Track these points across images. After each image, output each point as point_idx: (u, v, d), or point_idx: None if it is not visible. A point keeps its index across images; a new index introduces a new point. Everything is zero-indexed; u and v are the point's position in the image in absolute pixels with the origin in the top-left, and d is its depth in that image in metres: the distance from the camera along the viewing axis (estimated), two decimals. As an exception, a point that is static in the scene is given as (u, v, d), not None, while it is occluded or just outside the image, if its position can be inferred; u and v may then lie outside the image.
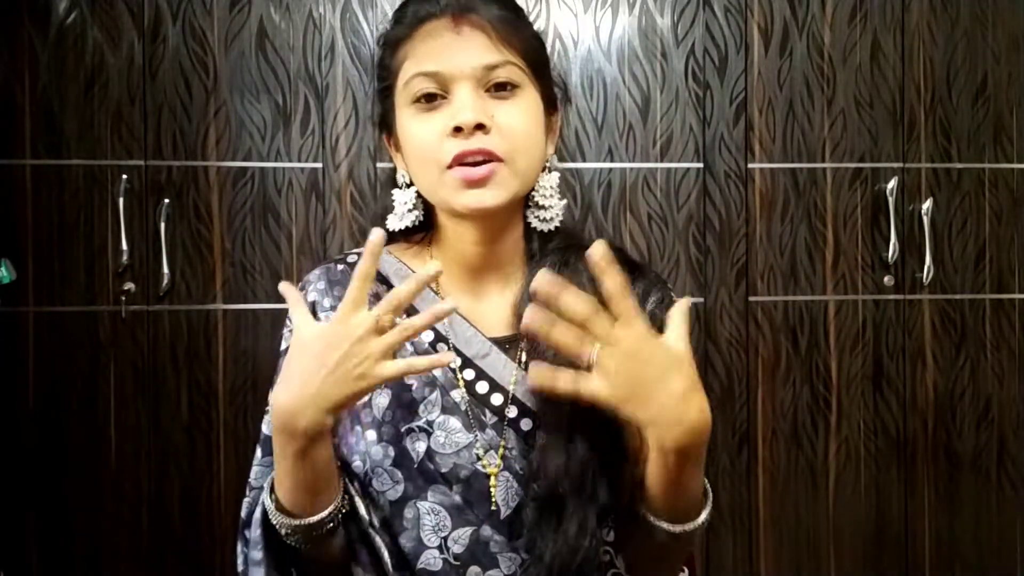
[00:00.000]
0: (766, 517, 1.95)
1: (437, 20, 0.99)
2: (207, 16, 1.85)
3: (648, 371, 0.84)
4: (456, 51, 0.96)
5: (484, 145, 0.94)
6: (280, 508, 0.92)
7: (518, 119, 0.97)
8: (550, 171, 1.04)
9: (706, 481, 0.95)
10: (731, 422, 1.94)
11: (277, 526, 0.92)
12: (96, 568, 1.82)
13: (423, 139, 0.96)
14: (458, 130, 0.94)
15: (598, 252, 0.82)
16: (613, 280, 0.83)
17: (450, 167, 0.95)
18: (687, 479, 0.89)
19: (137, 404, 1.83)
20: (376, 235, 0.85)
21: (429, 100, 0.97)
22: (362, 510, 0.96)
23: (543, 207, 1.04)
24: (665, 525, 0.92)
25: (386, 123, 1.06)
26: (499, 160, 0.95)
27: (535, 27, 1.09)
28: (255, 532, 0.96)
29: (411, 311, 1.02)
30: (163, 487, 1.84)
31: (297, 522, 0.91)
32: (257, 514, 0.96)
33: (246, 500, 1.03)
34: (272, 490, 0.93)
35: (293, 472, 0.88)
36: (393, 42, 1.04)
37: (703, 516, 0.93)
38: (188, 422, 1.84)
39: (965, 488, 1.98)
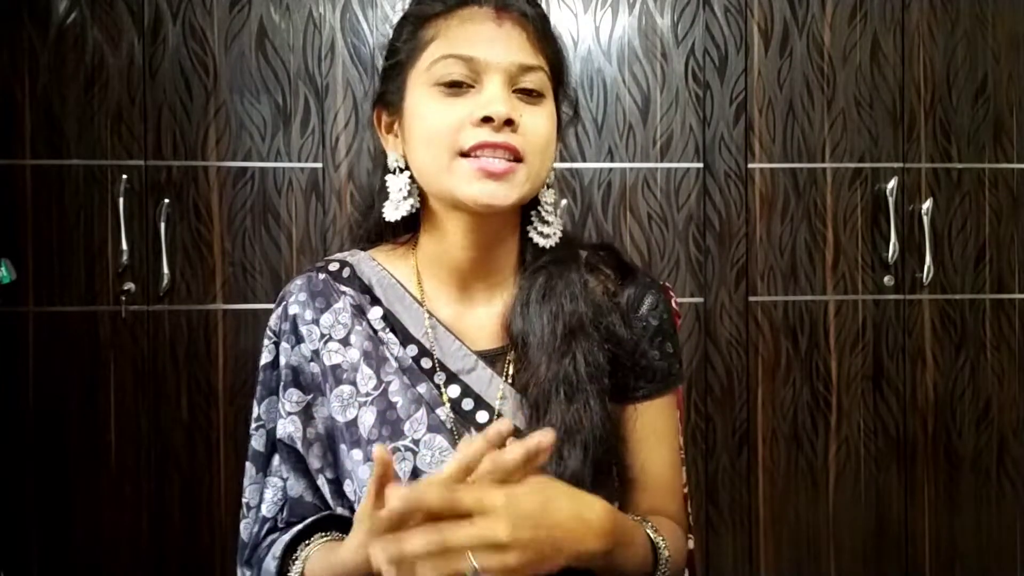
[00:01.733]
0: (766, 517, 1.95)
1: (478, 7, 0.94)
2: (207, 16, 1.85)
3: (536, 532, 0.73)
4: (495, 42, 0.92)
5: (511, 141, 0.90)
6: None
7: (542, 125, 0.94)
8: (548, 187, 1.01)
9: (656, 538, 0.90)
10: (731, 422, 1.93)
11: None
12: (96, 568, 1.82)
13: (441, 123, 0.91)
14: (486, 120, 0.90)
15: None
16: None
17: (465, 155, 0.90)
18: (619, 561, 0.85)
19: (137, 404, 1.83)
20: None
21: (454, 85, 0.92)
22: None
23: (547, 222, 1.01)
24: None
25: (386, 102, 0.99)
26: (520, 160, 0.92)
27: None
28: None
29: (396, 323, 0.99)
30: (163, 487, 1.84)
31: None
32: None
33: (244, 522, 1.00)
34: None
35: None
36: (420, 18, 0.96)
37: (659, 569, 0.90)
38: (188, 422, 1.84)
39: (965, 488, 1.98)
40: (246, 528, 1.00)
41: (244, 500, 1.00)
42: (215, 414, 1.84)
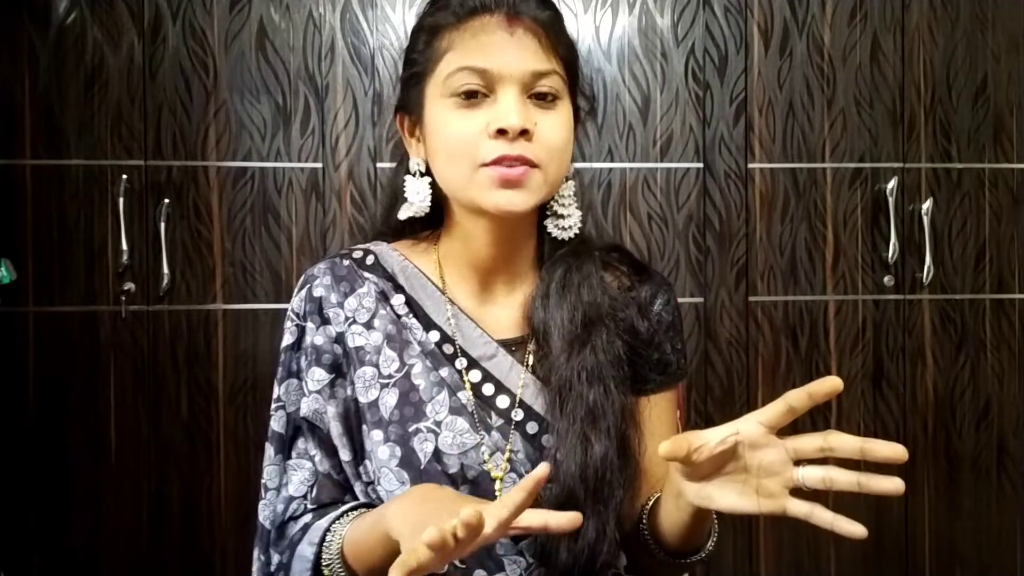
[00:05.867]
0: (766, 517, 1.94)
1: (490, 15, 0.96)
2: (207, 16, 1.85)
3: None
4: (508, 51, 0.95)
5: (525, 152, 0.93)
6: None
7: (557, 130, 0.97)
8: (567, 180, 1.04)
9: (715, 518, 0.96)
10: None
11: None
12: (96, 568, 1.82)
13: (460, 135, 0.94)
14: (501, 133, 0.93)
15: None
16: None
17: (485, 165, 0.94)
18: (702, 526, 0.93)
19: (137, 404, 1.83)
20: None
21: (470, 96, 0.95)
22: None
23: (562, 216, 1.04)
24: (670, 559, 0.95)
25: (407, 109, 1.03)
26: (536, 167, 0.95)
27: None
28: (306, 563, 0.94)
29: (418, 310, 1.02)
30: (163, 487, 1.84)
31: None
32: (311, 549, 0.95)
33: (263, 503, 1.01)
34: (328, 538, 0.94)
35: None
36: (433, 29, 0.99)
37: (706, 549, 0.96)
38: (188, 422, 1.84)
39: (965, 488, 1.98)
40: (266, 508, 1.00)
41: (263, 481, 1.02)
42: (215, 414, 1.84)
